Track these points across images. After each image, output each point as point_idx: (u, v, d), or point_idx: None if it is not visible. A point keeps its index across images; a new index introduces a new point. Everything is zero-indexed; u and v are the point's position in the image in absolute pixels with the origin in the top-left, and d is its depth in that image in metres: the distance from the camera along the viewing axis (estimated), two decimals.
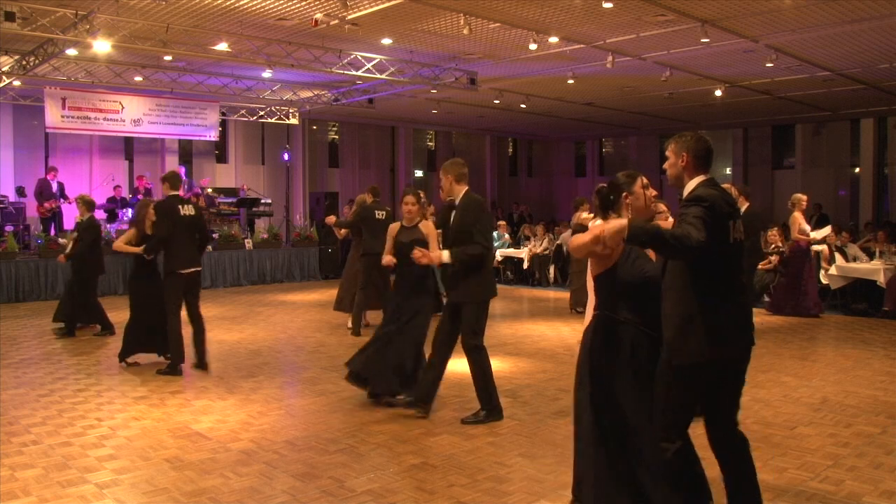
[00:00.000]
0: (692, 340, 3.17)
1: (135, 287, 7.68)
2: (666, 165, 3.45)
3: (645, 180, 3.62)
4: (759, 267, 10.82)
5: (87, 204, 9.35)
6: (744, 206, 9.22)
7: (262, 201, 17.28)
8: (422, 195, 6.33)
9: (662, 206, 5.34)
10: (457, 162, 5.61)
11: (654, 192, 3.64)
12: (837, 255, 11.35)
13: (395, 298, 6.05)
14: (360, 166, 21.48)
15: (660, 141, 23.78)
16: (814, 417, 5.58)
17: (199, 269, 7.28)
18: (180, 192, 7.37)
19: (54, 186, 14.34)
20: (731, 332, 3.23)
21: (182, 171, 16.35)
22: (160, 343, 7.37)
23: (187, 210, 7.21)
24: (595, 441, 3.38)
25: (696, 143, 3.36)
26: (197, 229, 7.27)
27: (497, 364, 6.86)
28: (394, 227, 6.05)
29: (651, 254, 3.52)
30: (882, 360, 7.68)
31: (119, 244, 7.65)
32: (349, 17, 9.91)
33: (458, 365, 7.23)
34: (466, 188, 5.50)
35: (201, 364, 7.22)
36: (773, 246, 11.74)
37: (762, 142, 21.92)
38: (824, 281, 11.21)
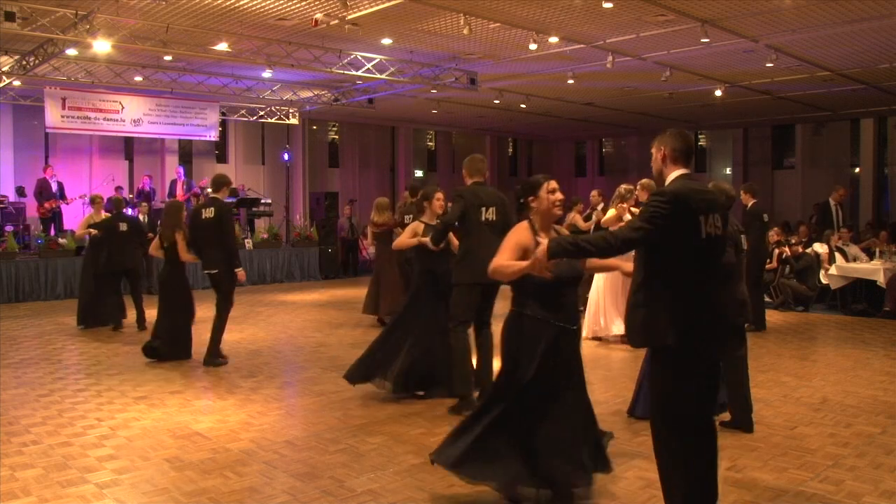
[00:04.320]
0: (657, 325, 3.22)
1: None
2: (652, 162, 3.55)
3: (552, 185, 3.95)
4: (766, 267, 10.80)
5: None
6: (749, 204, 9.25)
7: (262, 201, 17.28)
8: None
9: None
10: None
11: (559, 197, 3.93)
12: (837, 255, 11.35)
13: None
14: (360, 166, 21.48)
15: None
16: (814, 417, 5.58)
17: None
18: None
19: (54, 186, 14.34)
20: (691, 324, 3.24)
21: (181, 171, 16.40)
22: None
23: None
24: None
25: (672, 138, 3.44)
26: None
27: (495, 364, 6.85)
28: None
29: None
30: (882, 360, 7.68)
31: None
32: (349, 17, 9.91)
33: None
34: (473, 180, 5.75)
35: None
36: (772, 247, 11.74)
37: (762, 142, 21.92)
38: (824, 281, 11.21)
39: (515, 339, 3.82)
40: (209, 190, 7.48)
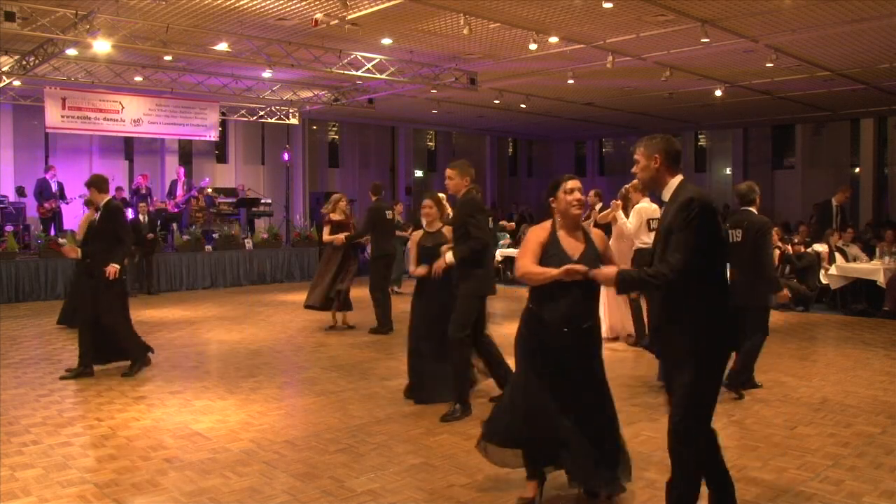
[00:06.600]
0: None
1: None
2: (636, 169, 3.46)
3: (569, 185, 3.84)
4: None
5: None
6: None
7: (262, 201, 17.28)
8: (442, 198, 6.39)
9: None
10: (465, 162, 5.81)
11: (577, 197, 3.81)
12: (837, 255, 11.35)
13: (424, 308, 5.93)
14: (360, 166, 21.49)
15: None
16: (814, 417, 5.58)
17: None
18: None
19: (54, 186, 14.34)
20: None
21: (181, 171, 16.39)
22: None
23: None
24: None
25: (667, 143, 3.42)
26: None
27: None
28: (417, 235, 6.17)
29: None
30: (882, 360, 7.67)
31: None
32: (349, 17, 9.91)
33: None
34: (469, 187, 5.65)
35: None
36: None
37: (762, 142, 21.93)
38: (824, 281, 11.21)
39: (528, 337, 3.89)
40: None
